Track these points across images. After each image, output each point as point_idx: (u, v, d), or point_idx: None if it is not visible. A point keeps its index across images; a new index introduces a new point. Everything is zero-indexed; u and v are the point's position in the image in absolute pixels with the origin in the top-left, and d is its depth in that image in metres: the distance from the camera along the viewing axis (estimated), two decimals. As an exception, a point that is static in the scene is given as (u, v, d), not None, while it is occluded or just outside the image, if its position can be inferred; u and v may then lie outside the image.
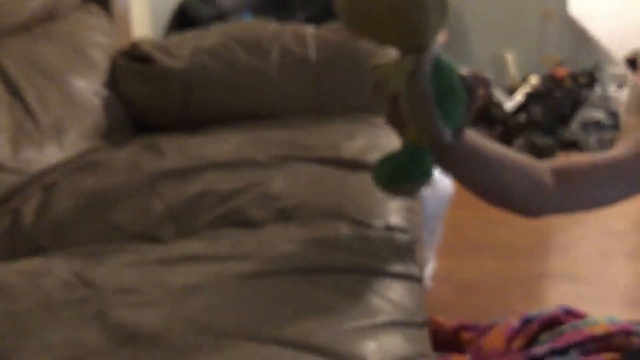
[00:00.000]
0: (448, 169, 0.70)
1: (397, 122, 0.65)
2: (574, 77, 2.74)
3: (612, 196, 0.73)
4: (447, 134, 0.61)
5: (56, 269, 0.77)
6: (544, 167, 0.71)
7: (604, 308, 1.01)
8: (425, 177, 0.65)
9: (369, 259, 0.75)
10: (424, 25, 0.59)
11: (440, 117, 0.60)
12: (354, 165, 0.98)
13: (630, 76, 2.83)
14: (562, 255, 1.80)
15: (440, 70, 0.61)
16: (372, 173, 0.69)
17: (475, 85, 0.63)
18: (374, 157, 1.02)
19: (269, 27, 1.42)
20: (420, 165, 0.64)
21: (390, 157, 0.67)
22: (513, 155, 0.72)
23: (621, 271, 1.68)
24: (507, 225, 1.99)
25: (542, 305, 1.37)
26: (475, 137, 0.68)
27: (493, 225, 2.00)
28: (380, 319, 0.66)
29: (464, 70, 0.63)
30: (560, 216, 0.76)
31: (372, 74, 0.65)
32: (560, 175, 0.71)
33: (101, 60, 1.39)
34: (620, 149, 0.72)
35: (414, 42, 0.60)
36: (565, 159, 0.76)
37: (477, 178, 0.69)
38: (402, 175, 0.65)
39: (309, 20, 1.71)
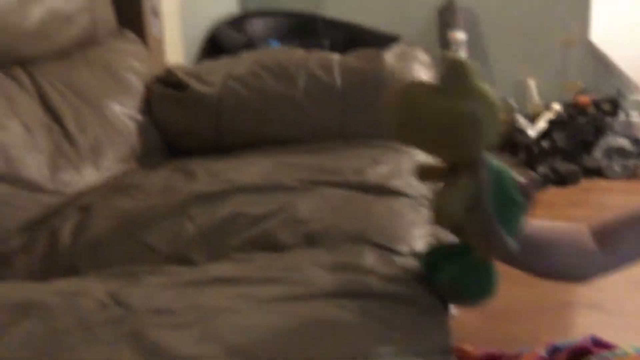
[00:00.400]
0: (507, 261, 0.70)
1: (457, 230, 0.64)
2: (596, 104, 2.72)
3: None
4: (513, 245, 0.60)
5: (91, 289, 0.79)
6: (585, 232, 0.71)
7: (631, 338, 0.99)
8: (489, 292, 0.65)
9: (395, 285, 0.76)
10: (477, 139, 0.57)
11: (505, 232, 0.59)
12: (379, 190, 0.99)
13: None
14: (589, 284, 1.78)
15: (500, 184, 0.59)
16: (424, 265, 0.68)
17: (532, 190, 0.63)
18: (398, 182, 1.04)
19: (296, 54, 1.46)
20: (487, 281, 0.64)
21: (448, 259, 0.65)
22: (559, 230, 0.71)
23: (649, 301, 1.65)
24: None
25: (569, 334, 1.35)
26: (529, 227, 0.66)
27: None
28: (407, 346, 0.66)
29: (518, 177, 0.62)
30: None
31: (419, 177, 0.64)
32: (602, 237, 0.70)
33: (136, 85, 1.43)
34: None
35: (467, 158, 0.59)
36: (597, 219, 0.74)
37: (530, 264, 0.70)
38: (467, 291, 0.65)
39: (334, 47, 1.74)
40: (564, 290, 1.73)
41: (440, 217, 0.60)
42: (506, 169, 0.61)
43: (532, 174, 0.67)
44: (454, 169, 0.60)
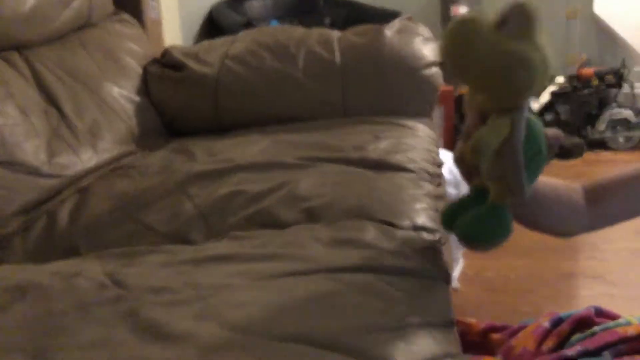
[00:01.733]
0: (524, 219, 0.70)
1: (471, 174, 0.65)
2: (600, 76, 2.70)
3: None
4: (530, 194, 0.62)
5: (90, 270, 0.79)
6: (577, 190, 0.71)
7: (634, 308, 0.99)
8: (506, 235, 0.64)
9: (397, 258, 0.75)
10: (529, 86, 0.58)
11: (526, 180, 0.60)
12: (380, 166, 0.98)
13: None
14: (591, 254, 1.78)
15: (531, 133, 0.60)
16: (443, 222, 0.69)
17: (555, 144, 0.64)
18: (399, 157, 1.02)
19: (295, 32, 1.44)
20: (502, 224, 0.64)
21: (465, 209, 0.66)
22: (553, 184, 0.71)
23: (651, 270, 1.65)
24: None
25: (572, 305, 1.35)
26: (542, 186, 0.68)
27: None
28: (409, 319, 0.66)
29: (547, 130, 0.63)
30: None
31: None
32: (591, 195, 0.71)
33: (134, 67, 1.42)
34: None
35: (514, 101, 0.59)
36: (595, 177, 0.75)
37: (524, 215, 0.69)
38: (484, 233, 0.64)
39: (334, 25, 1.72)
40: (566, 262, 1.73)
41: (474, 150, 0.60)
42: (537, 121, 0.62)
43: (557, 130, 0.67)
44: (495, 112, 0.60)
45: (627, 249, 1.77)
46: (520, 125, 0.59)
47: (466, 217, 0.65)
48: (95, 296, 0.72)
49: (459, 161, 0.65)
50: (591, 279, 1.62)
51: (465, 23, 0.58)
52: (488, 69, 0.57)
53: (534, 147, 0.61)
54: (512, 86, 0.58)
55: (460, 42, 0.58)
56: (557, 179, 0.72)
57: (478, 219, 0.64)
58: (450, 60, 0.59)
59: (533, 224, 0.72)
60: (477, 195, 0.65)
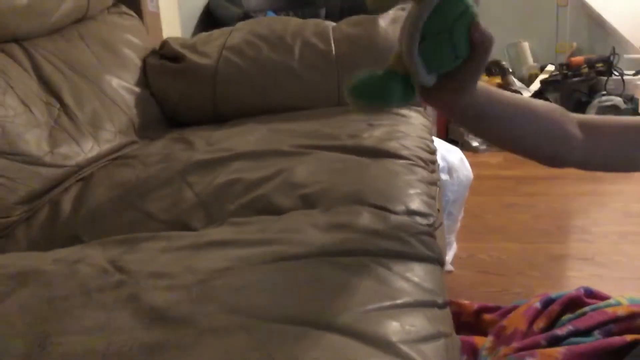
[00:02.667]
0: (465, 125, 0.67)
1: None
2: (590, 64, 2.72)
3: (638, 161, 0.70)
4: (425, 79, 0.58)
5: (92, 257, 0.80)
6: (570, 117, 0.68)
7: (623, 289, 1.00)
8: (388, 99, 0.62)
9: (391, 242, 0.76)
10: None
11: (425, 63, 0.57)
12: (375, 153, 1.00)
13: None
14: (581, 237, 1.80)
15: (446, 14, 0.55)
16: (347, 88, 0.66)
17: (483, 41, 0.56)
18: (393, 145, 1.04)
19: (291, 22, 1.45)
20: (395, 89, 0.61)
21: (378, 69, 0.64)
22: (534, 104, 0.68)
23: (640, 253, 1.67)
24: (526, 209, 2.00)
25: (562, 287, 1.38)
26: (487, 91, 0.63)
27: (511, 209, 2.00)
28: (403, 299, 0.67)
29: (478, 26, 0.56)
30: (586, 171, 0.72)
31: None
32: (588, 128, 0.68)
33: (133, 59, 1.43)
34: None
35: None
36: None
37: (496, 132, 0.66)
38: (378, 93, 0.63)
39: (329, 17, 1.73)
40: (556, 244, 1.76)
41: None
42: (472, 10, 0.56)
43: (489, 34, 0.58)
44: None
45: (616, 232, 1.79)
46: (424, 8, 0.54)
47: (372, 71, 0.63)
48: (97, 282, 0.73)
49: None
50: (581, 260, 1.64)
51: None
52: None
53: (442, 28, 0.55)
54: None
55: None
56: (538, 101, 0.68)
57: (378, 77, 0.62)
58: None
59: (518, 147, 0.68)
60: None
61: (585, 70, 2.73)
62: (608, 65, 2.74)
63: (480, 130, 0.67)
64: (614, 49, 2.77)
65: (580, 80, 2.72)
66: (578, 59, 2.79)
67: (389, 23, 1.37)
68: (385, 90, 0.62)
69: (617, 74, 2.76)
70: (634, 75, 2.85)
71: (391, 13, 1.40)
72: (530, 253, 1.68)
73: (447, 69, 0.58)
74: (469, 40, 0.56)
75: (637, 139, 0.68)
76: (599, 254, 1.65)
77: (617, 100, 2.67)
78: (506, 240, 1.76)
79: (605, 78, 2.74)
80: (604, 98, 2.68)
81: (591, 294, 0.85)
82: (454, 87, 0.59)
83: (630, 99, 2.69)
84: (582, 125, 0.68)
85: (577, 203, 2.08)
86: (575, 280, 1.48)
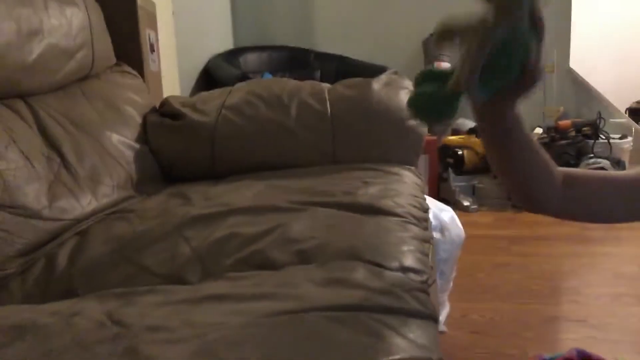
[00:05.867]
0: (490, 142, 0.69)
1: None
2: (577, 127, 2.80)
3: (618, 214, 0.72)
4: (479, 98, 0.61)
5: (89, 310, 0.80)
6: (558, 169, 0.72)
7: (617, 352, 1.00)
8: (447, 116, 0.65)
9: (385, 298, 0.77)
10: None
11: (482, 85, 0.59)
12: (369, 210, 1.02)
13: (635, 126, 2.87)
14: (573, 298, 1.81)
15: (513, 42, 0.58)
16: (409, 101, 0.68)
17: (535, 69, 0.59)
18: (387, 202, 1.06)
19: (288, 84, 1.50)
20: (447, 106, 0.64)
21: (428, 84, 0.66)
22: (539, 146, 0.71)
23: (632, 315, 1.68)
24: (517, 269, 2.01)
25: (555, 348, 1.37)
26: (518, 122, 0.66)
27: (503, 268, 2.01)
28: (398, 355, 0.68)
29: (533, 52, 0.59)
30: (564, 221, 0.74)
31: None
32: (569, 179, 0.71)
33: (134, 116, 1.47)
34: (634, 170, 0.72)
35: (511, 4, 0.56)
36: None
37: (510, 157, 0.69)
38: (430, 109, 0.66)
39: (325, 79, 1.79)
40: (549, 306, 1.76)
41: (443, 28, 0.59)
42: (531, 40, 0.59)
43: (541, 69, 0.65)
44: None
45: (608, 294, 1.80)
46: (507, 19, 0.56)
47: (424, 87, 0.65)
48: (94, 335, 0.72)
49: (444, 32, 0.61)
50: (574, 322, 1.64)
51: None
52: None
53: (507, 57, 0.58)
54: None
55: None
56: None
57: (430, 95, 0.64)
58: None
59: (516, 179, 0.70)
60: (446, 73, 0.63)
61: (573, 133, 2.81)
62: (595, 129, 2.82)
63: (501, 154, 0.70)
64: (599, 113, 2.86)
65: (568, 143, 2.79)
66: (565, 122, 2.87)
67: (382, 86, 1.42)
68: (443, 108, 0.65)
69: (603, 137, 2.84)
70: (619, 139, 2.94)
71: (384, 77, 1.45)
72: (523, 314, 1.68)
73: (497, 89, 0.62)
74: (522, 68, 0.60)
75: (614, 191, 0.71)
76: (592, 316, 1.65)
77: (605, 162, 2.73)
78: (499, 300, 1.76)
79: (592, 141, 2.81)
80: (591, 160, 2.75)
81: (585, 356, 0.85)
82: (500, 104, 0.64)
83: (617, 162, 2.76)
84: (565, 176, 0.71)
85: (568, 264, 2.10)
86: (569, 342, 1.48)
